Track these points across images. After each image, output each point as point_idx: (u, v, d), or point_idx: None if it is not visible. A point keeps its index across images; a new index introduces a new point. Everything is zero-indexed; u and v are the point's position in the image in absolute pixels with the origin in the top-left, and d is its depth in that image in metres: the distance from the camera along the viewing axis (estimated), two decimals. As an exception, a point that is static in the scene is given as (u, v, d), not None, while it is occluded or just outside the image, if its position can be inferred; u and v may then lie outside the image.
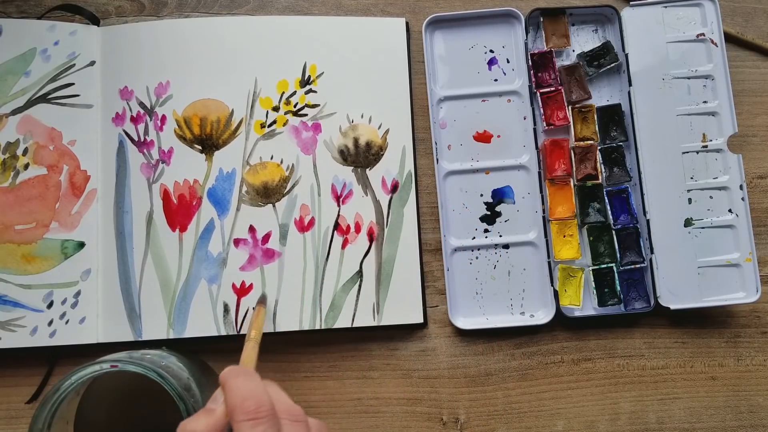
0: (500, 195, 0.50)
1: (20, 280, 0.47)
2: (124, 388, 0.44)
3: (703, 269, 0.48)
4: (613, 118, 0.50)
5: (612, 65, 0.50)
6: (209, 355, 0.47)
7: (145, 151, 0.49)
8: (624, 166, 0.50)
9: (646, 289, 0.48)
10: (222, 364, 0.40)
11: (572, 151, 0.49)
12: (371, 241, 0.49)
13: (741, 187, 0.48)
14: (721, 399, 0.48)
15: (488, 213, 0.50)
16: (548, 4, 0.52)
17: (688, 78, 0.49)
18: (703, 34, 0.50)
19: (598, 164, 0.49)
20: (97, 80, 0.50)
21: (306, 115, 0.50)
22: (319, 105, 0.50)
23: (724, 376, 0.49)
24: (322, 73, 0.50)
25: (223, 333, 0.47)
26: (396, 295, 0.48)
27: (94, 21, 0.51)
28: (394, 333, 0.49)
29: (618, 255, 0.48)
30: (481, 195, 0.50)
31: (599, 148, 0.49)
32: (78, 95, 0.49)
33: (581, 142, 0.49)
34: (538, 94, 0.50)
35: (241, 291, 0.48)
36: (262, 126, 0.49)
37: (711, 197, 0.49)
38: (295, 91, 0.50)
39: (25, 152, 0.48)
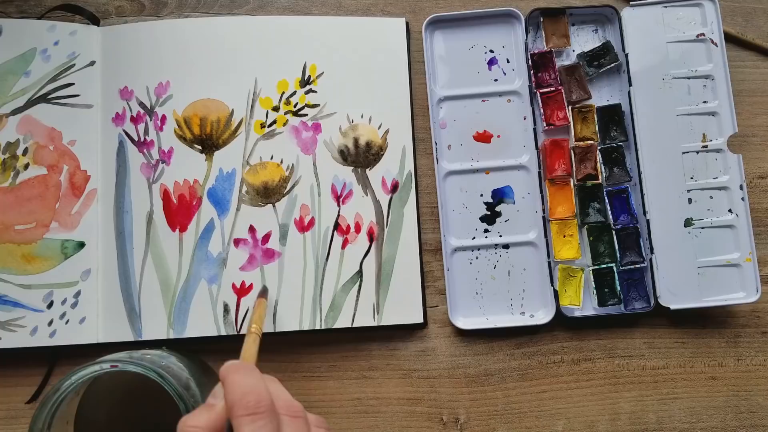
0: (500, 195, 0.50)
1: (20, 280, 0.47)
2: (124, 388, 0.44)
3: (703, 269, 0.48)
4: (613, 118, 0.50)
5: (612, 65, 0.50)
6: (209, 355, 0.47)
7: (145, 151, 0.49)
8: (624, 166, 0.50)
9: (646, 289, 0.48)
10: (222, 364, 0.40)
11: (572, 151, 0.49)
12: (371, 241, 0.49)
13: (741, 187, 0.48)
14: (721, 399, 0.48)
15: (488, 213, 0.50)
16: (548, 4, 0.52)
17: (688, 78, 0.49)
18: (703, 34, 0.50)
19: (598, 164, 0.49)
20: (97, 80, 0.50)
21: (306, 115, 0.50)
22: (319, 105, 0.50)
23: (724, 376, 0.49)
24: (322, 73, 0.50)
25: (223, 333, 0.47)
26: (396, 295, 0.48)
27: (94, 21, 0.51)
28: (394, 333, 0.49)
29: (618, 255, 0.48)
30: (481, 195, 0.50)
31: (599, 148, 0.49)
32: (78, 95, 0.49)
33: (581, 142, 0.49)
34: (538, 94, 0.50)
35: (241, 291, 0.48)
36: (262, 126, 0.49)
37: (711, 197, 0.49)
38: (295, 91, 0.50)
39: (25, 152, 0.48)
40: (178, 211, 0.49)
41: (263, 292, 0.46)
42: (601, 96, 0.51)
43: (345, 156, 0.49)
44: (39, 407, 0.36)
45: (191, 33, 0.50)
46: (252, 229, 0.48)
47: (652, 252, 0.48)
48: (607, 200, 0.49)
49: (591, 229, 0.49)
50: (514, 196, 0.50)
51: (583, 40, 0.51)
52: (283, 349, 0.49)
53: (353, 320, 0.48)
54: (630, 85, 0.49)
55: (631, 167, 0.49)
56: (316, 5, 0.53)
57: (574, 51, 0.51)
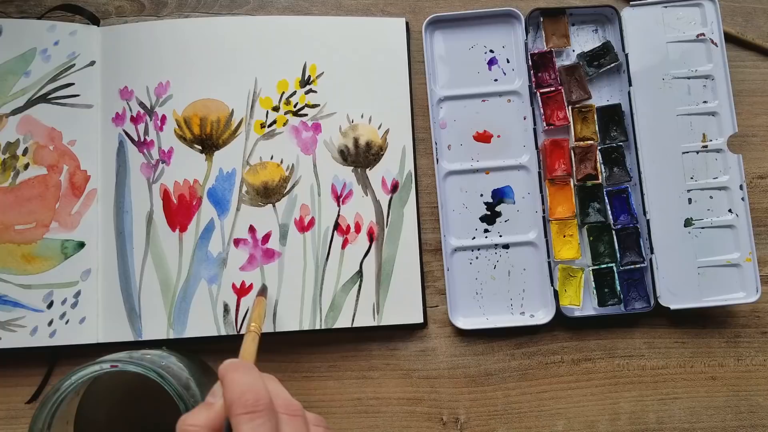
0: (500, 195, 0.50)
1: (20, 280, 0.47)
2: (124, 388, 0.44)
3: (703, 269, 0.48)
4: (613, 118, 0.50)
5: (612, 65, 0.50)
6: (209, 355, 0.47)
7: (145, 151, 0.49)
8: (624, 166, 0.50)
9: (646, 289, 0.48)
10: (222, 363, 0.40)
11: (572, 151, 0.49)
12: (371, 241, 0.49)
13: (741, 187, 0.48)
14: (721, 399, 0.48)
15: (488, 213, 0.50)
16: (548, 4, 0.52)
17: (688, 78, 0.49)
18: (703, 34, 0.50)
19: (598, 164, 0.49)
20: (97, 80, 0.50)
21: (306, 115, 0.50)
22: (319, 105, 0.50)
23: (724, 376, 0.49)
24: (322, 73, 0.50)
25: (223, 333, 0.47)
26: (396, 295, 0.48)
27: (94, 21, 0.51)
28: (394, 333, 0.49)
29: (618, 255, 0.48)
30: (481, 195, 0.50)
31: (599, 148, 0.49)
32: (78, 95, 0.49)
33: (581, 142, 0.49)
34: (538, 94, 0.50)
35: (241, 291, 0.48)
36: (262, 126, 0.49)
37: (711, 197, 0.49)
38: (295, 91, 0.50)
39: (25, 152, 0.48)
40: (178, 211, 0.49)
41: (262, 291, 0.46)
42: (601, 96, 0.51)
43: (345, 156, 0.49)
44: (39, 407, 0.36)
45: (191, 33, 0.50)
46: (252, 229, 0.48)
47: (652, 252, 0.48)
48: (607, 200, 0.49)
49: (591, 229, 0.49)
50: (514, 196, 0.50)
51: (583, 40, 0.51)
52: (283, 349, 0.49)
53: (353, 320, 0.48)
54: (630, 85, 0.49)
55: (631, 167, 0.49)
56: (316, 5, 0.53)
57: (574, 51, 0.51)
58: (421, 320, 0.48)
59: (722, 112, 0.49)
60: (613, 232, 0.49)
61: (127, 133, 0.49)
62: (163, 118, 0.49)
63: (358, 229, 0.49)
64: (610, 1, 0.51)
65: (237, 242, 0.48)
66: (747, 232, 0.48)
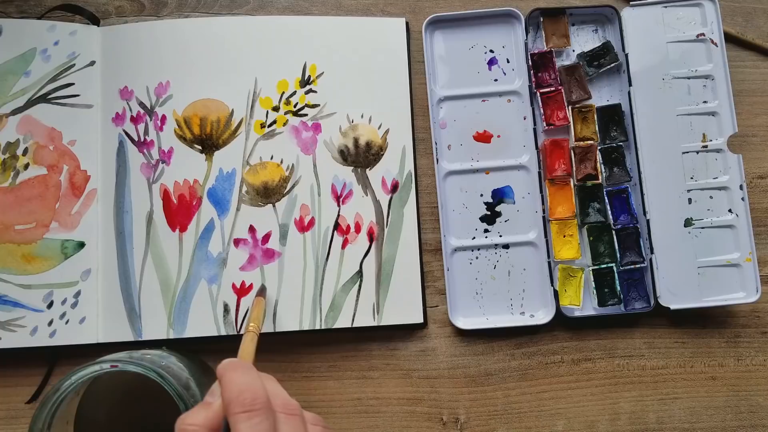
0: (500, 195, 0.50)
1: (20, 280, 0.47)
2: (124, 388, 0.44)
3: (703, 269, 0.48)
4: (613, 118, 0.50)
5: (612, 65, 0.50)
6: (209, 355, 0.47)
7: (145, 151, 0.49)
8: (624, 166, 0.50)
9: (646, 289, 0.48)
10: (222, 364, 0.40)
11: (572, 151, 0.49)
12: (371, 241, 0.49)
13: (741, 187, 0.48)
14: (721, 399, 0.48)
15: (488, 213, 0.50)
16: (548, 4, 0.52)
17: (688, 78, 0.49)
18: (703, 34, 0.50)
19: (598, 164, 0.49)
20: (97, 80, 0.50)
21: (306, 115, 0.50)
22: (319, 105, 0.50)
23: (724, 376, 0.49)
24: (322, 73, 0.50)
25: (223, 333, 0.47)
26: (396, 295, 0.48)
27: (94, 21, 0.51)
28: (394, 333, 0.49)
29: (618, 255, 0.48)
30: (481, 195, 0.50)
31: (599, 148, 0.49)
32: (78, 95, 0.49)
33: (581, 142, 0.49)
34: (538, 94, 0.50)
35: (241, 291, 0.48)
36: (262, 126, 0.49)
37: (711, 197, 0.49)
38: (295, 91, 0.50)
39: (25, 152, 0.48)
40: (178, 211, 0.49)
41: (261, 292, 0.46)
42: (601, 96, 0.51)
43: (345, 156, 0.49)
44: (39, 407, 0.36)
45: (191, 33, 0.50)
46: (252, 229, 0.48)
47: (652, 252, 0.48)
48: (607, 200, 0.49)
49: (591, 229, 0.49)
50: (514, 196, 0.50)
51: (583, 40, 0.51)
52: (283, 349, 0.49)
53: (353, 320, 0.48)
54: (630, 85, 0.49)
55: (631, 167, 0.49)
56: (316, 5, 0.53)
57: (574, 51, 0.51)
58: (421, 320, 0.48)
59: (722, 112, 0.49)
60: (613, 232, 0.49)
61: (127, 133, 0.49)
62: (163, 118, 0.49)
63: (358, 229, 0.49)
64: (610, 1, 0.51)
65: (237, 242, 0.48)
66: (747, 232, 0.48)
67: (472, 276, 0.49)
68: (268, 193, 0.49)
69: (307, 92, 0.50)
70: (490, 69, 0.51)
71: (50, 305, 0.47)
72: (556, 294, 0.48)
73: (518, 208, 0.50)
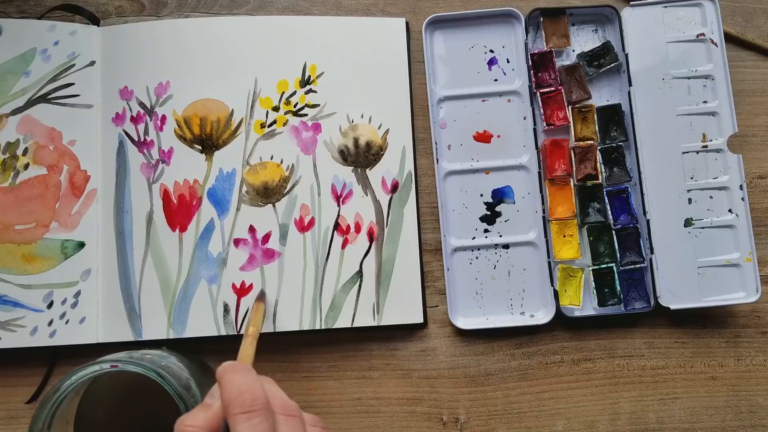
0: (500, 195, 0.50)
1: (20, 280, 0.47)
2: (124, 388, 0.44)
3: (703, 269, 0.48)
4: (613, 118, 0.50)
5: (612, 65, 0.50)
6: (209, 355, 0.47)
7: (145, 151, 0.49)
8: (624, 166, 0.50)
9: (646, 289, 0.48)
10: (221, 364, 0.40)
11: (572, 151, 0.49)
12: (371, 241, 0.49)
13: (741, 187, 0.48)
14: (721, 399, 0.48)
15: (488, 213, 0.50)
16: (548, 4, 0.52)
17: (688, 78, 0.49)
18: (703, 34, 0.50)
19: (598, 164, 0.49)
20: (97, 80, 0.50)
21: (306, 115, 0.50)
22: (319, 105, 0.50)
23: (724, 376, 0.49)
24: (322, 73, 0.50)
25: (223, 333, 0.47)
26: (396, 295, 0.48)
27: (94, 21, 0.51)
28: (394, 333, 0.49)
29: (618, 255, 0.48)
30: (481, 195, 0.50)
31: (599, 148, 0.49)
32: (78, 95, 0.49)
33: (581, 142, 0.49)
34: (538, 94, 0.50)
35: (241, 291, 0.48)
36: (262, 126, 0.49)
37: (711, 197, 0.49)
38: (295, 91, 0.50)
39: (25, 152, 0.48)
40: (178, 211, 0.49)
41: (261, 296, 0.46)
42: (601, 96, 0.51)
43: (345, 156, 0.50)
44: (39, 407, 0.36)
45: (191, 33, 0.50)
46: (252, 229, 0.48)
47: (652, 252, 0.48)
48: (607, 200, 0.49)
49: (591, 229, 0.49)
50: (514, 196, 0.50)
51: (583, 40, 0.51)
52: (283, 349, 0.49)
53: (353, 320, 0.48)
54: (630, 85, 0.49)
55: (631, 167, 0.49)
56: (316, 5, 0.53)
57: (574, 51, 0.51)
58: (421, 320, 0.48)
59: (722, 112, 0.49)
60: (613, 232, 0.49)
61: (127, 133, 0.49)
62: (163, 118, 0.49)
63: (358, 229, 0.49)
64: (610, 1, 0.51)
65: (237, 242, 0.48)
66: (747, 232, 0.48)
67: (472, 276, 0.49)
68: (268, 193, 0.49)
69: (307, 92, 0.50)
70: (490, 69, 0.51)
71: (50, 305, 0.47)
72: (556, 294, 0.48)
73: (518, 208, 0.50)
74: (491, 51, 0.51)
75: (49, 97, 0.49)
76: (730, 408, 0.48)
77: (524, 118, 0.50)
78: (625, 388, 0.48)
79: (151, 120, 0.49)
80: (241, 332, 0.47)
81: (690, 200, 0.49)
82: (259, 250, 0.48)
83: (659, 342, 0.49)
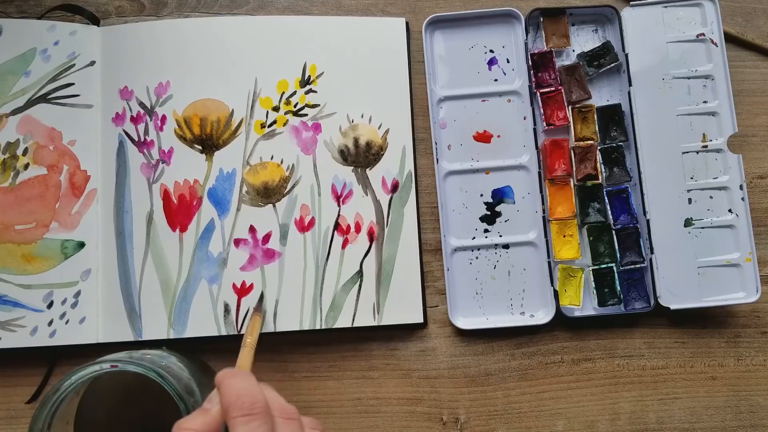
0: (500, 195, 0.50)
1: (20, 280, 0.47)
2: (124, 388, 0.44)
3: (703, 269, 0.48)
4: (613, 118, 0.50)
5: (612, 65, 0.50)
6: (209, 355, 0.47)
7: (145, 151, 0.49)
8: (624, 166, 0.50)
9: (646, 289, 0.48)
10: (222, 364, 0.40)
11: (572, 151, 0.49)
12: (371, 241, 0.49)
13: (741, 187, 0.48)
14: (721, 399, 0.48)
15: (488, 213, 0.50)
16: (548, 4, 0.52)
17: (688, 78, 0.49)
18: (703, 34, 0.50)
19: (598, 164, 0.49)
20: (97, 80, 0.50)
21: (306, 115, 0.50)
22: (319, 105, 0.50)
23: (724, 376, 0.49)
24: (322, 73, 0.50)
25: (224, 333, 0.47)
26: (396, 295, 0.48)
27: (94, 21, 0.51)
28: (394, 333, 0.49)
29: (618, 255, 0.48)
30: (481, 195, 0.50)
31: (599, 148, 0.49)
32: (78, 95, 0.49)
33: (581, 142, 0.49)
34: (538, 94, 0.50)
35: (242, 291, 0.48)
36: (262, 126, 0.49)
37: (711, 197, 0.49)
38: (295, 91, 0.50)
39: (25, 152, 0.48)
40: (179, 211, 0.49)
41: (258, 307, 0.46)
42: (601, 96, 0.51)
43: (345, 156, 0.50)
44: (39, 407, 0.36)
45: (191, 33, 0.50)
46: (252, 229, 0.48)
47: (652, 252, 0.48)
48: (607, 200, 0.49)
49: (591, 229, 0.49)
50: (514, 196, 0.50)
51: (583, 40, 0.51)
52: (283, 349, 0.49)
53: (353, 320, 0.48)
54: (630, 85, 0.49)
55: (631, 167, 0.49)
56: (316, 5, 0.53)
57: (574, 51, 0.51)
58: (421, 320, 0.48)
59: (722, 112, 0.49)
60: (613, 232, 0.49)
61: (127, 133, 0.49)
62: (163, 118, 0.49)
63: (358, 229, 0.49)
64: (610, 1, 0.51)
65: (237, 242, 0.48)
66: (747, 232, 0.48)
67: (472, 276, 0.49)
68: (268, 193, 0.49)
69: (307, 92, 0.50)
70: (490, 69, 0.51)
71: (50, 305, 0.47)
72: (556, 294, 0.48)
73: (518, 208, 0.50)
74: (491, 51, 0.51)
75: (49, 97, 0.49)
76: (730, 408, 0.48)
77: (524, 118, 0.50)
78: (625, 388, 0.48)
79: (151, 120, 0.49)
80: (242, 332, 0.47)
81: (690, 200, 0.49)
82: (260, 250, 0.48)
83: (659, 342, 0.49)
